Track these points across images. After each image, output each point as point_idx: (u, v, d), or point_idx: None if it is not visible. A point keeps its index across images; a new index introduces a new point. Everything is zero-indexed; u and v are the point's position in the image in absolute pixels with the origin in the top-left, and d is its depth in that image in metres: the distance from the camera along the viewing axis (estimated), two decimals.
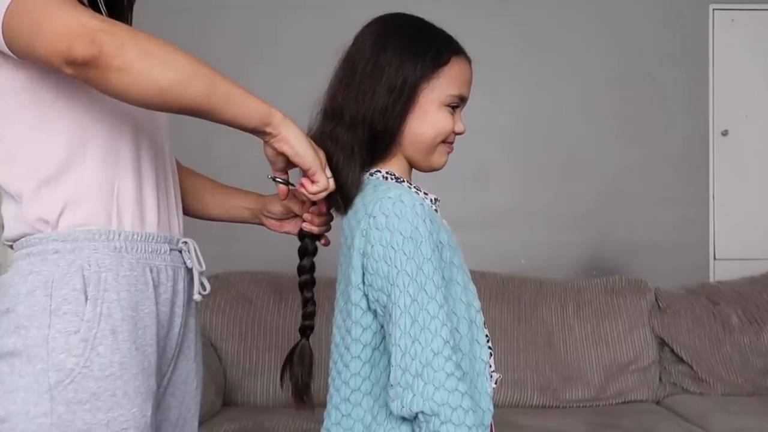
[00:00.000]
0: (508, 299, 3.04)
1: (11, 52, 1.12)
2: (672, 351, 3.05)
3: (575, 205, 3.39)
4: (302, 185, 1.30)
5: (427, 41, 1.35)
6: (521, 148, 3.40)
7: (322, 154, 1.29)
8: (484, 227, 3.30)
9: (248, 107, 1.21)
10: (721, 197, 3.44)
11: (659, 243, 3.38)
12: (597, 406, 2.93)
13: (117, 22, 1.11)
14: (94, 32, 1.06)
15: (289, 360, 1.43)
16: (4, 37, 1.10)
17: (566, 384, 2.94)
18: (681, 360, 3.03)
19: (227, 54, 3.16)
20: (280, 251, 2.73)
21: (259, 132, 1.24)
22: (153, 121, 1.36)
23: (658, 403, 3.01)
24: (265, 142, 1.27)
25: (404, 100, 1.32)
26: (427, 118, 1.34)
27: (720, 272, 3.41)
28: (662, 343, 3.07)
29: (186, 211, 1.53)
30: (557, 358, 2.97)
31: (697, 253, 3.42)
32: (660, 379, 3.05)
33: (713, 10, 3.45)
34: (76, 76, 1.09)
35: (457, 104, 1.37)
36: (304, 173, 1.29)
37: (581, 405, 2.93)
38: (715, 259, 3.43)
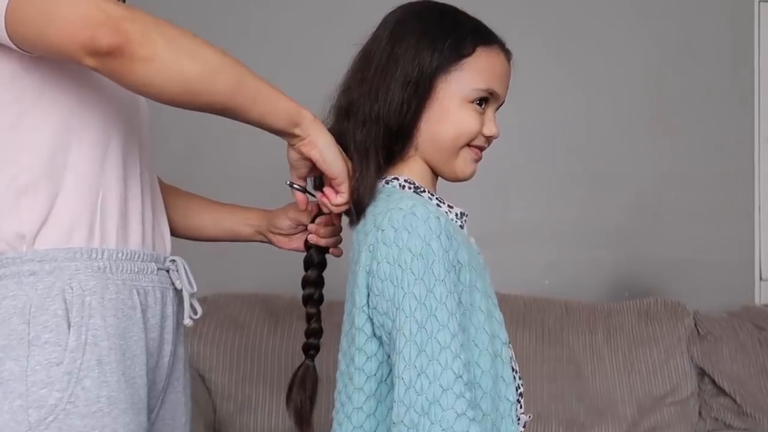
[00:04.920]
0: (530, 324, 3.04)
1: (13, 42, 1.13)
2: (713, 382, 3.04)
3: (605, 220, 3.38)
4: (325, 194, 1.32)
5: (447, 28, 1.34)
6: (544, 156, 3.40)
7: (349, 164, 1.31)
8: (504, 244, 3.29)
9: (277, 105, 1.23)
10: None
11: (699, 261, 3.37)
12: None
13: (136, 8, 1.13)
14: (117, 19, 1.07)
15: (292, 383, 1.42)
16: (6, 26, 1.11)
17: (595, 418, 2.93)
18: (723, 392, 3.02)
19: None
20: (275, 271, 2.73)
21: (286, 133, 1.26)
22: (140, 129, 1.38)
23: None
24: (291, 145, 1.29)
25: (420, 94, 1.31)
26: (447, 117, 1.33)
27: (767, 294, 3.42)
28: (702, 373, 3.06)
29: (176, 232, 1.55)
30: (585, 389, 2.96)
31: (741, 272, 3.41)
32: (700, 413, 3.04)
33: (759, 2, 3.46)
34: (95, 68, 1.10)
35: (485, 100, 1.35)
36: (328, 182, 1.31)
37: None
38: (761, 279, 3.43)
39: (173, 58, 1.12)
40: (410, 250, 1.19)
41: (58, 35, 1.08)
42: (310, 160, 1.30)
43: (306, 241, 1.48)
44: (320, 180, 1.37)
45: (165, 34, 1.12)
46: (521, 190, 3.39)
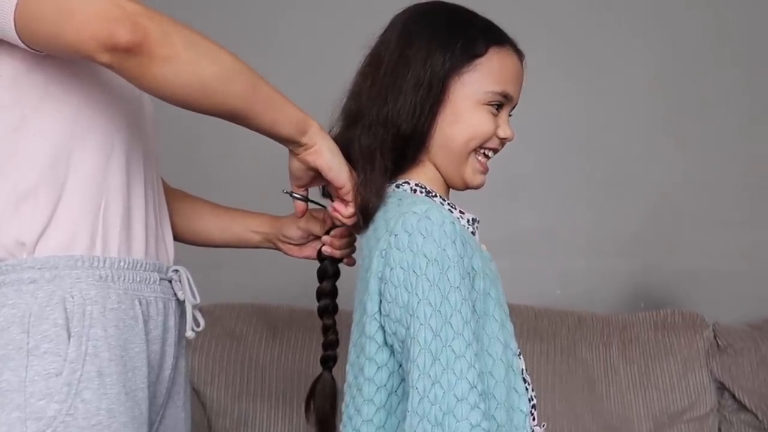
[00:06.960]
0: (541, 336, 3.05)
1: (23, 40, 1.13)
2: (733, 397, 3.04)
3: (619, 227, 3.38)
4: (335, 209, 1.35)
5: (459, 28, 1.36)
6: (556, 161, 3.40)
7: (354, 174, 1.34)
8: (513, 252, 3.22)
9: (287, 112, 1.26)
10: None
11: (718, 271, 3.35)
12: None
13: (150, 6, 1.14)
14: (135, 16, 1.09)
15: (311, 393, 1.47)
16: (15, 24, 1.11)
17: None
18: (744, 407, 3.02)
19: None
20: (273, 280, 2.75)
21: (293, 141, 1.29)
22: (145, 133, 1.40)
23: None
24: (295, 155, 1.32)
25: (433, 96, 1.33)
26: (460, 119, 1.35)
27: None
28: (722, 387, 3.07)
29: (182, 237, 1.57)
30: (599, 405, 2.97)
31: (763, 283, 3.38)
32: (719, 430, 3.05)
33: None
34: (110, 65, 1.11)
35: (499, 103, 1.38)
36: (335, 193, 1.34)
37: None
38: None
39: (191, 59, 1.14)
40: (425, 255, 1.21)
41: (73, 31, 1.09)
42: (314, 169, 1.33)
43: (320, 252, 1.51)
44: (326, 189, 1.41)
45: (182, 33, 1.14)
46: (532, 196, 3.39)
